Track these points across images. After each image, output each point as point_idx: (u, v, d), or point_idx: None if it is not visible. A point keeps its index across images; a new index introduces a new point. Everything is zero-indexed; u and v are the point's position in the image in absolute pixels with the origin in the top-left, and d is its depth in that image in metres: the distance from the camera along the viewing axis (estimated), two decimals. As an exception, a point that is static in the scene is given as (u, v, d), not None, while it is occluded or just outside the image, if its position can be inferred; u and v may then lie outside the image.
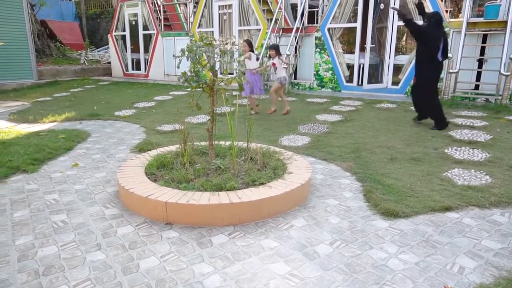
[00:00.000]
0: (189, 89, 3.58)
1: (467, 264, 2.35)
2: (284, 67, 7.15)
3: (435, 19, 5.64)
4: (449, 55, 7.52)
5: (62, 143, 5.19)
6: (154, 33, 14.17)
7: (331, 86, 10.62)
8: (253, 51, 6.98)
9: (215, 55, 3.49)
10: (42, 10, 17.85)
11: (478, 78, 8.61)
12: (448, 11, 9.65)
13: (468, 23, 8.20)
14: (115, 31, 15.55)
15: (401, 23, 9.23)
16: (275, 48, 7.02)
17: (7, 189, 3.64)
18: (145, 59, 14.92)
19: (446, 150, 4.68)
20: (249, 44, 6.97)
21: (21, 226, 2.87)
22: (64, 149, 4.97)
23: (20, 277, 2.24)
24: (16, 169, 4.13)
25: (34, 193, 3.53)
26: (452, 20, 8.97)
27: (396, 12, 6.31)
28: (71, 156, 4.76)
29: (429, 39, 5.54)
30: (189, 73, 3.50)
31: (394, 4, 9.07)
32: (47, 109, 8.14)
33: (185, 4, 14.38)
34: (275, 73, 7.03)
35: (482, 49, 8.49)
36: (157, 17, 14.02)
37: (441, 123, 5.76)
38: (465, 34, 8.02)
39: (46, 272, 2.28)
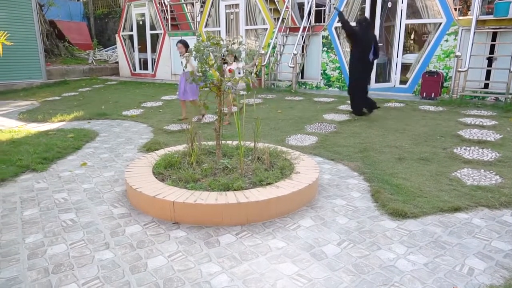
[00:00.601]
0: (196, 89, 3.61)
1: (477, 266, 2.32)
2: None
3: (366, 23, 6.41)
4: (458, 53, 7.44)
5: (70, 142, 5.25)
6: (161, 33, 14.24)
7: (338, 85, 10.57)
8: (187, 51, 6.37)
9: (223, 55, 3.49)
10: (51, 10, 18.05)
11: (487, 76, 8.51)
12: (457, 9, 9.54)
13: (478, 21, 8.10)
14: (123, 31, 15.65)
15: (408, 21, 9.21)
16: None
17: (17, 187, 3.69)
18: (152, 58, 15.00)
19: (455, 150, 4.63)
20: (186, 45, 6.39)
21: (31, 225, 2.91)
22: (73, 148, 5.02)
23: (30, 275, 2.26)
24: (25, 168, 4.18)
25: (43, 192, 3.57)
26: (461, 18, 8.87)
27: (337, 14, 6.95)
28: (79, 155, 4.80)
29: (361, 40, 6.32)
30: (196, 73, 3.51)
31: (402, 3, 9.00)
32: (56, 108, 8.23)
33: (192, 4, 14.42)
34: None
35: (492, 47, 8.38)
36: (164, 17, 14.08)
37: (358, 110, 6.75)
38: (474, 32, 7.92)
39: (55, 270, 2.30)
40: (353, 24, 6.92)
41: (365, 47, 6.33)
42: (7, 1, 11.55)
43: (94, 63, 16.87)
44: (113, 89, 11.69)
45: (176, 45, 6.51)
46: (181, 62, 6.40)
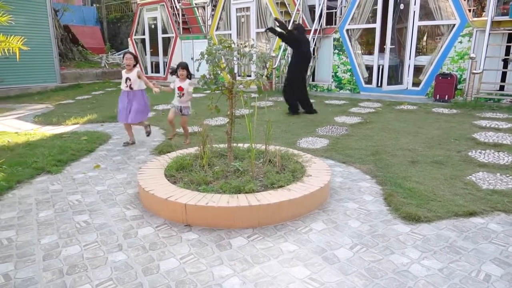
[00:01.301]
0: (207, 92, 3.63)
1: (494, 272, 2.27)
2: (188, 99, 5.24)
3: (302, 29, 7.27)
4: (473, 55, 7.34)
5: (84, 145, 5.32)
6: (173, 36, 14.38)
7: (349, 88, 10.51)
8: (136, 65, 5.33)
9: (234, 58, 3.51)
10: (65, 16, 18.41)
11: (503, 78, 8.36)
12: (471, 10, 9.40)
13: (493, 22, 7.97)
14: (135, 35, 15.86)
15: (421, 23, 9.11)
16: (187, 67, 5.14)
17: (33, 189, 3.75)
18: (164, 62, 15.15)
19: (469, 153, 4.55)
20: (135, 57, 5.31)
21: (46, 226, 2.96)
22: (86, 151, 5.09)
23: (45, 276, 2.30)
24: (41, 170, 4.25)
25: (58, 194, 3.63)
26: (475, 19, 8.74)
27: (275, 25, 7.84)
28: (93, 157, 4.87)
29: (303, 44, 7.07)
30: (208, 76, 3.53)
31: (415, 5, 8.91)
32: (70, 111, 8.37)
33: (203, 7, 14.53)
34: (179, 98, 5.17)
35: (508, 49, 8.23)
36: (175, 21, 14.22)
37: (312, 109, 7.45)
38: (489, 34, 7.80)
39: (70, 271, 2.34)
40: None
41: (307, 51, 7.20)
42: (24, 7, 11.82)
43: (107, 67, 17.12)
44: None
45: (123, 56, 5.28)
46: (126, 79, 5.16)
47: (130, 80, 5.17)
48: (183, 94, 5.10)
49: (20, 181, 3.93)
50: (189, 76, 5.16)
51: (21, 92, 11.89)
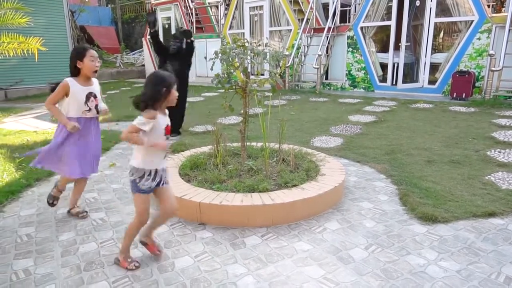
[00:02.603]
0: (221, 91, 3.64)
1: (514, 274, 2.21)
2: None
3: (192, 41, 6.37)
4: (492, 52, 7.20)
5: (100, 143, 5.40)
6: (186, 36, 14.45)
7: (363, 86, 10.40)
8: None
9: (248, 57, 3.51)
10: (81, 16, 18.72)
11: (523, 76, 8.13)
12: (490, 6, 9.17)
13: (512, 18, 7.76)
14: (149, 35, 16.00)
15: (438, 19, 8.93)
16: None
17: (51, 187, 3.81)
18: (177, 61, 15.23)
19: (488, 152, 4.45)
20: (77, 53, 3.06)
21: (64, 223, 3.02)
22: (102, 149, 5.12)
23: (64, 272, 2.34)
24: (58, 168, 4.33)
25: (75, 192, 3.69)
26: (494, 15, 8.52)
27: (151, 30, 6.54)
28: (108, 156, 4.94)
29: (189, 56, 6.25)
30: (221, 75, 3.53)
31: (431, 1, 8.74)
32: (86, 110, 8.49)
33: (217, 7, 14.58)
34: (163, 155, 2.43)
35: (528, 45, 7.99)
36: (189, 20, 14.30)
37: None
38: (509, 30, 7.60)
39: (87, 268, 2.38)
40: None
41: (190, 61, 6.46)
42: (42, 9, 12.07)
43: (122, 66, 17.35)
44: (140, 91, 11.95)
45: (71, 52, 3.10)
46: (88, 97, 3.07)
47: (95, 98, 3.08)
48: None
49: (39, 179, 4.02)
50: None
51: (39, 92, 12.15)
